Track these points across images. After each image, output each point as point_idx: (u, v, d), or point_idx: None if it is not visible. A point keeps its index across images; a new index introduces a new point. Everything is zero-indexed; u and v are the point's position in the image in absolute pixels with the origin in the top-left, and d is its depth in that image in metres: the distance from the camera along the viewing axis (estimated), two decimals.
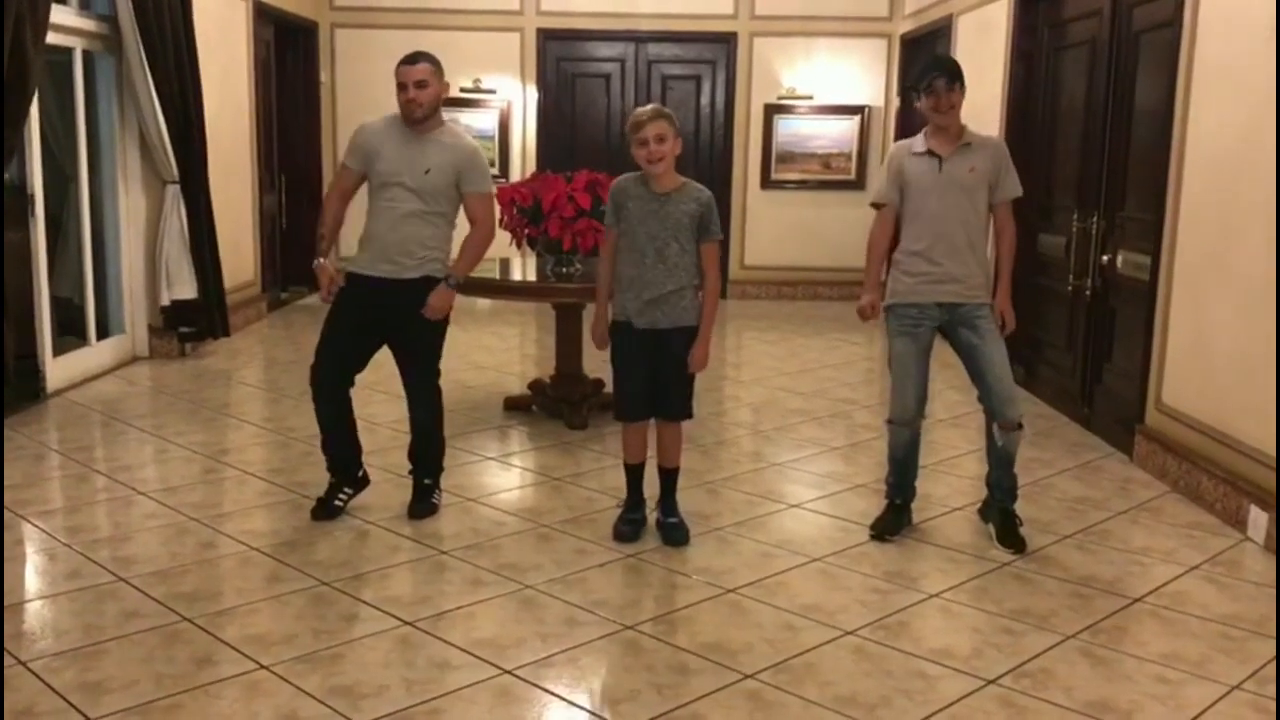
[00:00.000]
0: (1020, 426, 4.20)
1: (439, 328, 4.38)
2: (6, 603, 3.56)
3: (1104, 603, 3.73)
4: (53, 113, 6.67)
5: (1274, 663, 3.32)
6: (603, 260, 4.24)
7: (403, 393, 4.54)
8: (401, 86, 4.21)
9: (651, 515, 4.32)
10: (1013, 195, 4.24)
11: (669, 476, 4.28)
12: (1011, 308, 4.29)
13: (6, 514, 4.37)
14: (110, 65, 6.98)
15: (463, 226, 4.42)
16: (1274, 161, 4.24)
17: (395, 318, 4.30)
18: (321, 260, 4.33)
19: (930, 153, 4.14)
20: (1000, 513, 4.24)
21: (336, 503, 4.43)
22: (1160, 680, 3.20)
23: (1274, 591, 3.85)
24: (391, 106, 4.31)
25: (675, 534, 4.20)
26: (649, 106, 4.09)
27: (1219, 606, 3.72)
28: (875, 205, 4.31)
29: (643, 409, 4.19)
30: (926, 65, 4.21)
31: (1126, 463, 5.34)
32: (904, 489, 4.36)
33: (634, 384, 4.16)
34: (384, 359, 4.47)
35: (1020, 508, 4.30)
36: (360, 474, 4.53)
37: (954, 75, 4.09)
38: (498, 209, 5.91)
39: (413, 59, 4.25)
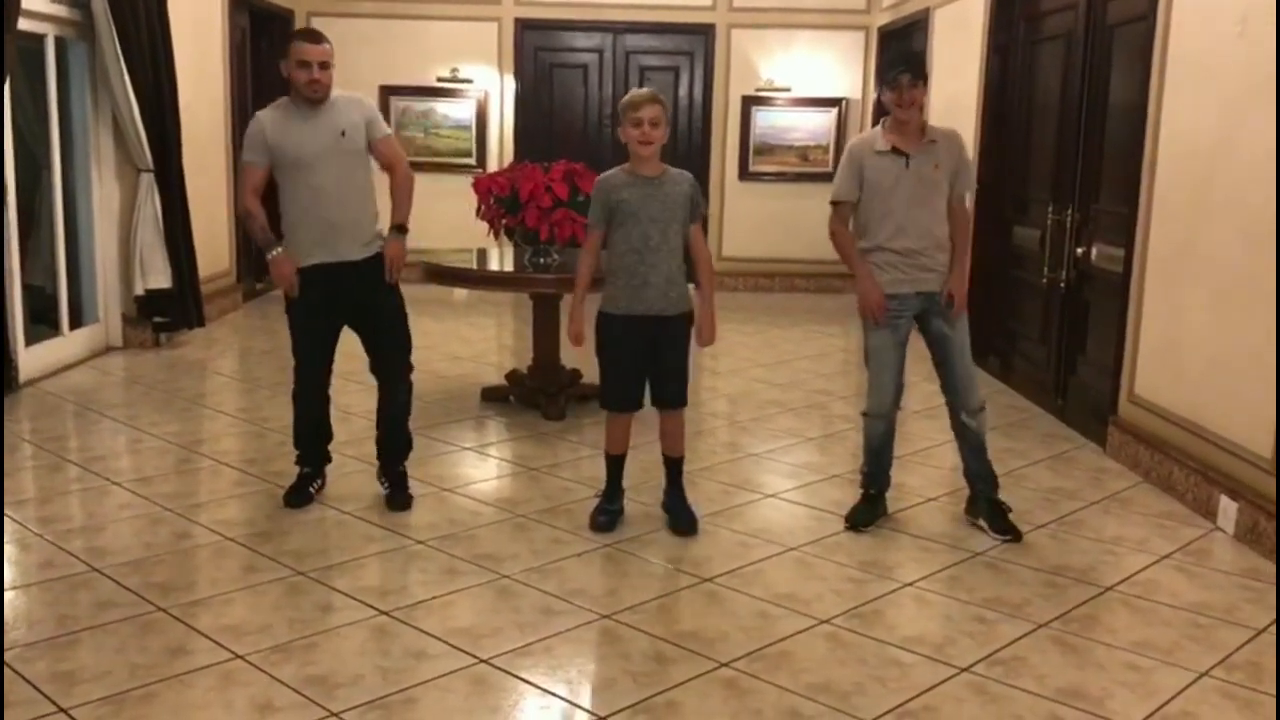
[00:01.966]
0: (983, 407, 4.27)
1: (399, 297, 4.36)
2: None
3: (1076, 591, 3.76)
4: (25, 100, 6.60)
5: (1241, 651, 3.36)
6: (584, 258, 4.18)
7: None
8: (304, 65, 4.10)
9: (628, 503, 4.34)
10: (967, 190, 4.26)
11: (675, 465, 4.28)
12: (964, 289, 4.22)
13: None
14: (83, 52, 6.91)
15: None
16: (1248, 155, 4.28)
17: (360, 298, 4.28)
18: (280, 250, 4.21)
19: (895, 150, 4.12)
20: (987, 503, 4.27)
21: (311, 489, 4.47)
22: (1131, 668, 3.23)
23: (1242, 580, 3.89)
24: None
25: (683, 521, 4.20)
26: (645, 89, 4.08)
27: (1189, 595, 3.76)
28: (835, 203, 4.25)
29: (632, 400, 4.19)
30: (894, 58, 4.24)
31: (1099, 453, 5.38)
32: (879, 479, 4.38)
33: (626, 375, 4.15)
34: (356, 350, 4.45)
35: (1001, 496, 4.33)
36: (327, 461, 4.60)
37: (919, 72, 4.10)
38: (475, 198, 5.96)
39: (316, 38, 4.21)
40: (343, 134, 4.18)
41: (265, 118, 4.25)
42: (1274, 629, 3.49)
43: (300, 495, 4.40)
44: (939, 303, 4.18)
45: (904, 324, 4.21)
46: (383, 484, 4.49)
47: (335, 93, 4.26)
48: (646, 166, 4.04)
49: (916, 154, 4.11)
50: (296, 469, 4.50)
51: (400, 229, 4.30)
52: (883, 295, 4.14)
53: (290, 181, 4.21)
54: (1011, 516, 4.27)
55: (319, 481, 4.50)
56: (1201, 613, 3.61)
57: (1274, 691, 3.10)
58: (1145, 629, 3.49)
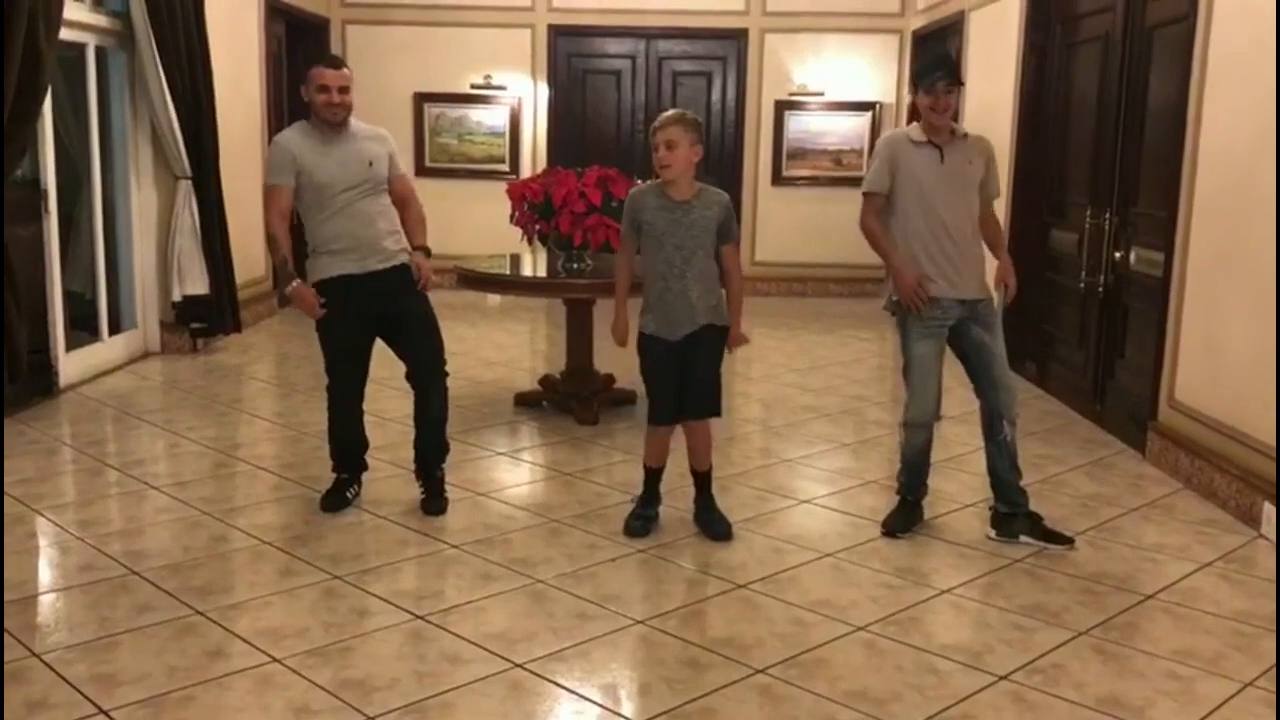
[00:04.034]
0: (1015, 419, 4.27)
1: (428, 304, 4.41)
2: (20, 595, 3.58)
3: (1116, 599, 3.72)
4: (65, 109, 6.69)
5: None
6: (620, 264, 4.27)
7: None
8: (324, 89, 4.24)
9: (662, 508, 4.33)
10: (995, 195, 4.28)
11: (702, 479, 4.28)
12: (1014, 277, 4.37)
13: (20, 507, 4.39)
14: (123, 61, 7.00)
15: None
16: None
17: (388, 308, 4.32)
18: (298, 283, 4.25)
19: (930, 143, 4.11)
20: (1029, 518, 4.19)
21: (348, 494, 4.49)
22: (1172, 677, 3.19)
23: None
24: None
25: (717, 528, 4.20)
26: (672, 111, 4.11)
27: (1232, 603, 3.71)
28: (868, 194, 4.19)
29: (674, 412, 4.18)
30: (930, 63, 4.21)
31: (1139, 459, 5.32)
32: (917, 487, 4.34)
33: (667, 390, 4.15)
34: (391, 354, 4.47)
35: (1031, 505, 4.29)
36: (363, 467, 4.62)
37: (955, 78, 4.10)
38: (508, 204, 6.00)
39: (336, 63, 4.36)
40: (370, 165, 4.29)
41: (290, 139, 4.33)
42: None
43: (336, 499, 4.43)
44: (979, 310, 4.15)
45: (945, 332, 4.17)
46: (420, 486, 4.50)
47: (356, 123, 4.37)
48: (676, 189, 4.04)
49: (950, 148, 4.12)
50: (333, 474, 4.53)
51: (424, 251, 4.37)
52: (920, 275, 4.08)
53: (315, 202, 4.30)
54: (1047, 523, 4.22)
55: (355, 487, 4.53)
56: (1245, 621, 3.56)
57: None
58: (1187, 637, 3.44)
